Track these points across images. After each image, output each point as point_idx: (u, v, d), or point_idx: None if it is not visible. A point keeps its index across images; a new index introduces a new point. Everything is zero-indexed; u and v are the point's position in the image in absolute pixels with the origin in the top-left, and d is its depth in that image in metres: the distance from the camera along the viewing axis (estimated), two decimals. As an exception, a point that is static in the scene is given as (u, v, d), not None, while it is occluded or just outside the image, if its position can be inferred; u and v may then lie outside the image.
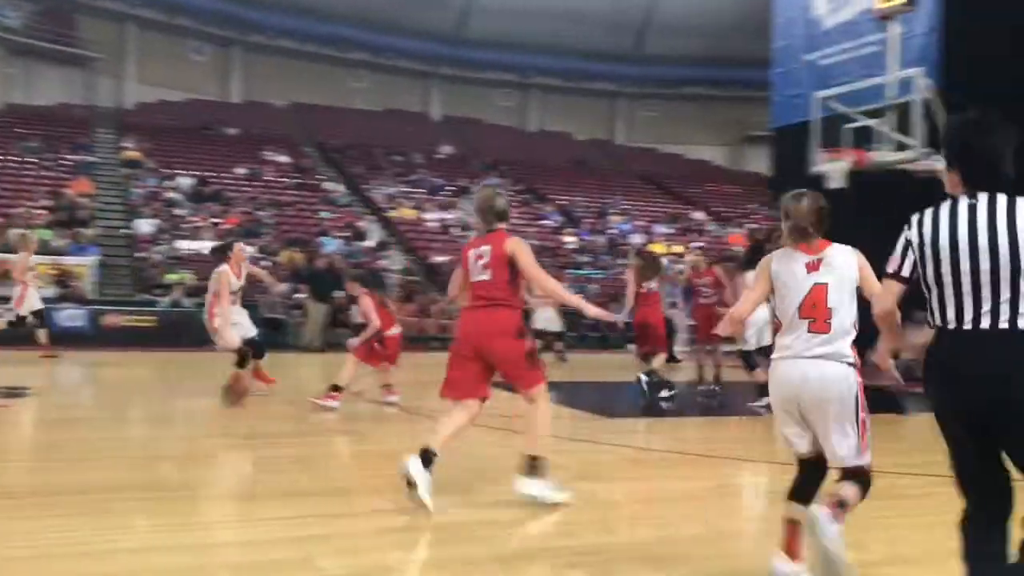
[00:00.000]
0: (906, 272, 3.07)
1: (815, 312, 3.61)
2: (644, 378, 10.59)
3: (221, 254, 10.09)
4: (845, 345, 3.62)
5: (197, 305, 19.39)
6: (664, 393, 10.59)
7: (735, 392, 11.01)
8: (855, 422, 3.59)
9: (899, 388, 3.79)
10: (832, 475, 3.72)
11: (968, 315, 2.89)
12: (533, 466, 5.07)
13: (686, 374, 12.80)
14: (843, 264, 3.69)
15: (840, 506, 3.51)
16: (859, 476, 3.62)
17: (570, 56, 39.77)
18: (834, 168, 12.45)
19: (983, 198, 2.93)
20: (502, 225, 5.27)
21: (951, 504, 5.26)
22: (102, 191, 24.98)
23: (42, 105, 30.18)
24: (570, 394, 12.06)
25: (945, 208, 3.01)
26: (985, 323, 2.85)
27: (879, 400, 4.02)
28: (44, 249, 18.04)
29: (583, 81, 41.60)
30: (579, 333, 20.42)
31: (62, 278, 18.93)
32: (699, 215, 33.28)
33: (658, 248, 28.41)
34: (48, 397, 10.37)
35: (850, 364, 3.61)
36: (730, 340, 10.34)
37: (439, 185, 30.93)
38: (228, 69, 37.43)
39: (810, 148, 13.01)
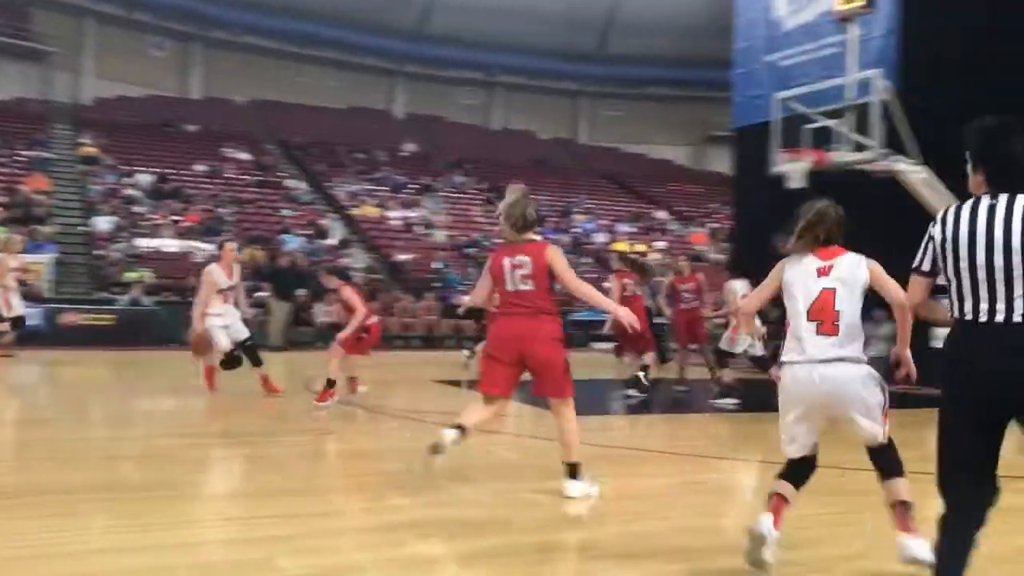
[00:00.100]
0: (927, 267, 3.27)
1: (823, 315, 3.79)
2: (641, 374, 10.72)
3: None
4: (856, 346, 3.80)
5: (156, 303, 19.28)
6: (635, 392, 10.65)
7: (700, 390, 11.10)
8: (880, 411, 3.77)
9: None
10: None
11: (984, 308, 3.04)
12: (573, 470, 5.20)
13: (665, 373, 12.84)
14: (851, 270, 3.85)
15: (906, 511, 3.74)
16: (888, 458, 3.80)
17: (533, 55, 39.81)
18: (794, 168, 12.57)
19: (1003, 198, 3.07)
20: (534, 234, 5.35)
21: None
22: (59, 188, 24.59)
23: (-3, 100, 29.66)
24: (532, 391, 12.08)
25: (967, 206, 3.16)
26: (1000, 316, 2.98)
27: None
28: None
29: (547, 80, 41.67)
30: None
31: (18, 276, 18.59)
32: (662, 214, 33.50)
33: (621, 246, 28.61)
34: (6, 398, 10.19)
35: (863, 362, 3.78)
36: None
37: (402, 183, 30.82)
38: (188, 65, 36.99)
39: (771, 148, 13.13)
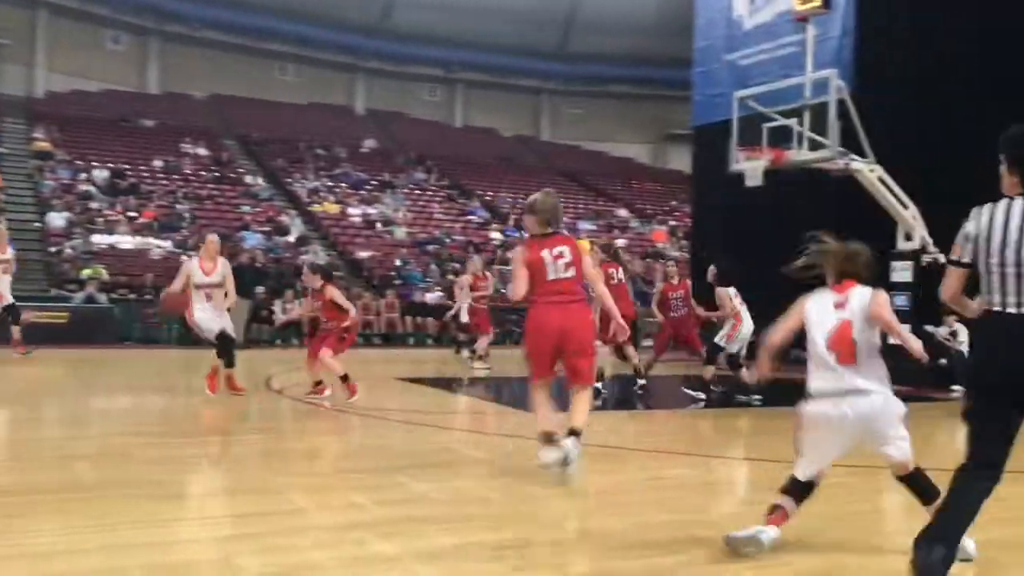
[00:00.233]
0: (967, 258, 3.52)
1: (841, 346, 3.96)
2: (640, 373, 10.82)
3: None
4: (878, 375, 3.96)
5: (112, 301, 19.00)
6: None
7: (663, 387, 11.19)
8: (902, 430, 3.96)
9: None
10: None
11: (1012, 300, 3.35)
12: (575, 433, 5.56)
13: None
14: (862, 302, 4.02)
15: None
16: (922, 484, 4.00)
17: (495, 52, 39.80)
18: (752, 166, 12.70)
19: None
20: (561, 228, 5.86)
21: (863, 493, 5.44)
22: (11, 183, 24.12)
23: (-54, 93, 29.05)
24: (495, 389, 12.11)
25: (1001, 206, 3.46)
26: None
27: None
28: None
29: (509, 77, 41.67)
30: (504, 328, 20.47)
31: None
32: (622, 212, 33.68)
33: (584, 244, 28.69)
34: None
35: (884, 388, 3.95)
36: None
37: (363, 179, 30.65)
38: (145, 59, 36.49)
39: (730, 147, 13.25)
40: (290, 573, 3.73)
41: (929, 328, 12.30)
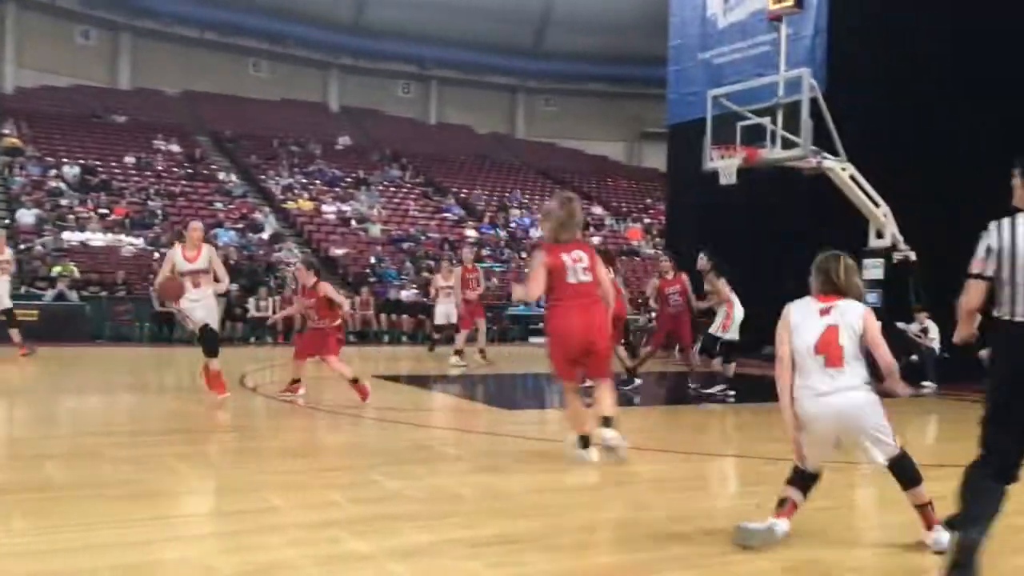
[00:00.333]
0: (989, 272, 3.62)
1: (829, 349, 4.08)
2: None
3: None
4: (859, 374, 4.08)
5: (83, 298, 18.79)
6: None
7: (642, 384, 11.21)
8: (883, 426, 4.07)
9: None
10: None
11: (1021, 309, 3.52)
12: (608, 421, 6.05)
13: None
14: (850, 314, 4.16)
15: (932, 510, 4.07)
16: (906, 468, 4.09)
17: (470, 49, 39.72)
18: (726, 165, 12.76)
19: None
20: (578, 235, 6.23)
21: (838, 489, 5.48)
22: (-21, 180, 23.81)
23: (-88, 88, 28.59)
24: (470, 386, 12.10)
25: (1021, 219, 3.62)
26: None
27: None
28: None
29: (483, 74, 41.62)
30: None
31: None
32: (598, 210, 33.71)
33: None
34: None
35: (868, 387, 4.07)
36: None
37: (337, 176, 30.51)
38: (116, 54, 36.09)
39: (705, 145, 13.30)
40: (264, 572, 3.71)
41: (900, 325, 12.43)
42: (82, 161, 26.28)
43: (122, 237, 22.36)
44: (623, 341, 11.88)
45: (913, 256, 12.56)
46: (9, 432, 7.82)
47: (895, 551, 4.11)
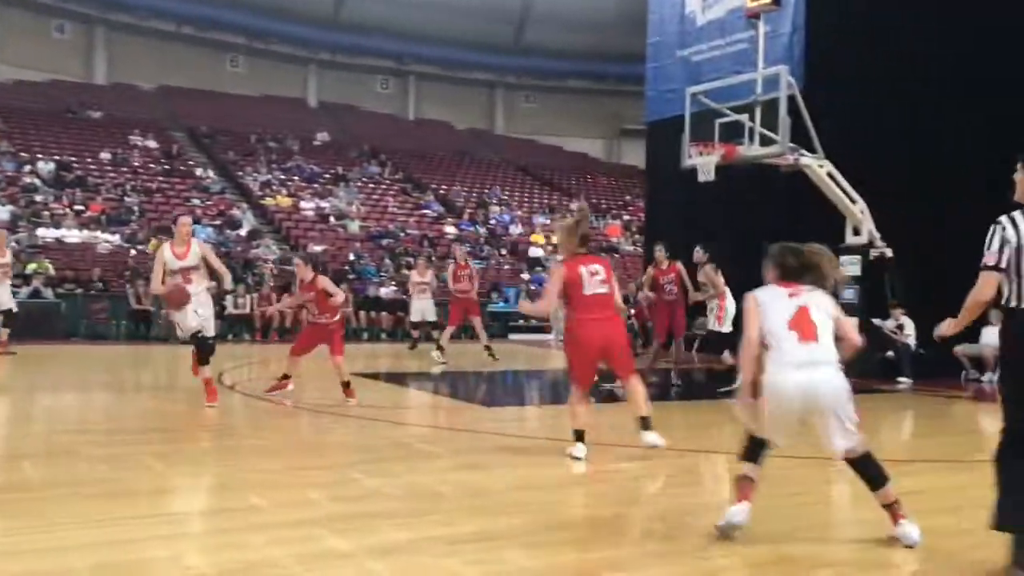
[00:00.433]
0: (1004, 264, 3.71)
1: (802, 326, 4.11)
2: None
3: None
4: (832, 351, 4.11)
5: (58, 296, 18.63)
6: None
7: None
8: (853, 417, 4.06)
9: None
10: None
11: None
12: (646, 422, 6.44)
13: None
14: (818, 295, 4.23)
15: (899, 506, 4.09)
16: (871, 468, 4.10)
17: (450, 45, 39.66)
18: (705, 162, 12.80)
19: None
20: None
21: (812, 484, 5.53)
22: (-48, 175, 23.53)
23: None
24: (450, 384, 12.10)
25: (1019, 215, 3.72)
26: None
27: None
28: None
29: (463, 70, 41.57)
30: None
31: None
32: (577, 206, 33.76)
33: (538, 239, 28.77)
34: None
35: (838, 365, 4.09)
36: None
37: (316, 172, 30.39)
38: (92, 49, 35.76)
39: (683, 142, 13.34)
40: (244, 570, 3.70)
41: (876, 321, 12.54)
42: (57, 157, 26.04)
43: (98, 234, 22.18)
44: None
45: (889, 253, 12.67)
46: (-16, 431, 7.74)
47: (870, 546, 4.15)
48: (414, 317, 16.90)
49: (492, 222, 30.09)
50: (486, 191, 32.91)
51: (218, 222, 24.57)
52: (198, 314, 8.51)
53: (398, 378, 12.38)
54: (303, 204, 27.59)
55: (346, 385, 9.01)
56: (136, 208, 24.21)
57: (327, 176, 30.30)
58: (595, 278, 6.26)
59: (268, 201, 27.36)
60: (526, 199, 33.69)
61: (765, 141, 12.39)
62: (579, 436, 6.24)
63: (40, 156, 25.74)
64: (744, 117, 12.61)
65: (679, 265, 11.33)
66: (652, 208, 20.15)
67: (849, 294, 12.81)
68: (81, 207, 23.34)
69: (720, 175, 12.71)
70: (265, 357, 14.34)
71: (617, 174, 38.52)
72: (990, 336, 11.02)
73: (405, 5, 37.50)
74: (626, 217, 32.55)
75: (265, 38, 38.08)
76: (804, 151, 12.42)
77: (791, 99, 12.06)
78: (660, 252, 11.69)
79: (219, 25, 36.80)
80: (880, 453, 4.25)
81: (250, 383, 10.18)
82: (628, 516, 4.83)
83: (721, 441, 7.05)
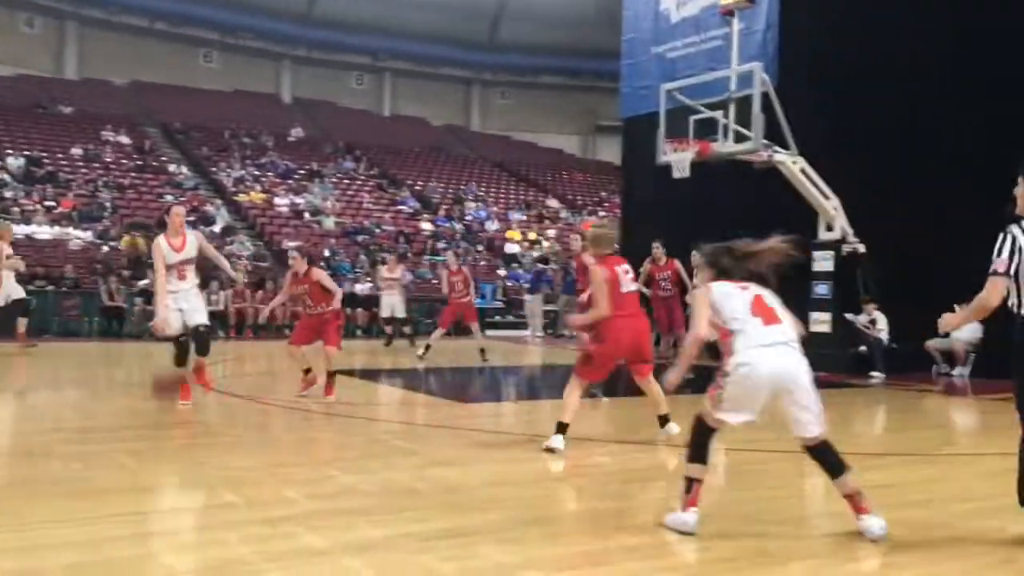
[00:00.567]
0: (1012, 271, 3.87)
1: (763, 311, 4.20)
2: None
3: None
4: (795, 334, 4.19)
5: (29, 292, 18.39)
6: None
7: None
8: (817, 403, 4.11)
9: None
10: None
11: None
12: (666, 419, 6.72)
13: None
14: (764, 289, 4.32)
15: (861, 498, 4.10)
16: (831, 457, 4.13)
17: (424, 41, 39.58)
18: (679, 158, 12.87)
19: None
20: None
21: (785, 478, 5.58)
22: (-80, 171, 23.18)
23: None
24: (426, 380, 12.09)
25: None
26: None
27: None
28: None
29: (437, 66, 41.49)
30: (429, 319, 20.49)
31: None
32: (553, 203, 33.83)
33: (514, 235, 28.79)
34: None
35: (802, 349, 4.16)
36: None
37: (290, 168, 30.22)
38: (62, 44, 35.36)
39: (658, 138, 13.40)
40: (220, 569, 3.68)
41: (849, 316, 12.66)
42: (27, 152, 25.73)
43: (70, 230, 21.94)
44: None
45: (862, 248, 12.79)
46: (-47, 430, 7.64)
47: (844, 539, 4.19)
48: (383, 313, 16.86)
49: (468, 218, 30.06)
50: (462, 187, 32.88)
51: (192, 218, 24.34)
52: (182, 311, 8.11)
53: (373, 375, 12.35)
54: (277, 200, 27.43)
55: (330, 376, 8.92)
56: (108, 204, 23.97)
57: (301, 172, 30.15)
58: (627, 276, 6.56)
59: (242, 197, 27.18)
60: (502, 195, 33.69)
61: (739, 138, 12.47)
62: (562, 428, 6.26)
63: (10, 152, 25.43)
64: (719, 114, 12.69)
65: (677, 263, 11.39)
66: (627, 204, 20.20)
67: (823, 289, 12.93)
68: (52, 203, 23.09)
69: (695, 171, 12.78)
70: (240, 354, 14.25)
71: (592, 170, 38.61)
72: (961, 331, 11.17)
73: (380, 1, 37.36)
74: (601, 213, 32.61)
75: (239, 34, 37.80)
76: (778, 148, 12.51)
77: (765, 96, 12.14)
78: (658, 249, 11.85)
79: (192, 20, 36.48)
80: (852, 447, 4.30)
81: (224, 380, 10.11)
82: (604, 510, 4.85)
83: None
